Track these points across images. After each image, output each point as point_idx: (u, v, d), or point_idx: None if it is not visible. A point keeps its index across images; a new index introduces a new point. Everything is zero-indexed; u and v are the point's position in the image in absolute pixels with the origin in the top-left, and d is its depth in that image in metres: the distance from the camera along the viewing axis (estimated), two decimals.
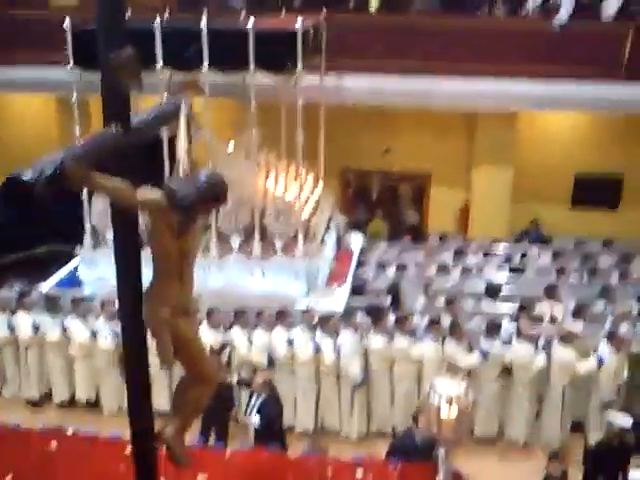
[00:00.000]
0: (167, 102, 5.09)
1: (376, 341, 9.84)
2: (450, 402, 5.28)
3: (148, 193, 4.24)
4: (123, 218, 4.45)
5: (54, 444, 6.05)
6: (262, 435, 8.18)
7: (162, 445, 4.93)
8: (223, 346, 9.43)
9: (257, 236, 10.82)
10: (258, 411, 8.62)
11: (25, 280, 12.15)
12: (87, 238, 11.22)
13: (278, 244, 10.84)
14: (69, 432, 6.35)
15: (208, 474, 5.58)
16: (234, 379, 9.41)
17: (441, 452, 5.53)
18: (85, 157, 3.77)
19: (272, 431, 8.29)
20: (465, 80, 13.45)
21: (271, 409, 8.66)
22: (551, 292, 11.04)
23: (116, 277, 4.59)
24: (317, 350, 9.80)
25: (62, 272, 11.93)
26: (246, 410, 8.84)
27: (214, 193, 4.37)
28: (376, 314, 10.22)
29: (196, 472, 5.50)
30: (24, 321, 10.64)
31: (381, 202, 16.86)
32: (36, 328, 10.55)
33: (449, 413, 5.30)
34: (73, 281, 11.60)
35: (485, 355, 9.58)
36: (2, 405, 10.73)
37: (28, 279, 12.22)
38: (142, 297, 4.52)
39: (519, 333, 9.77)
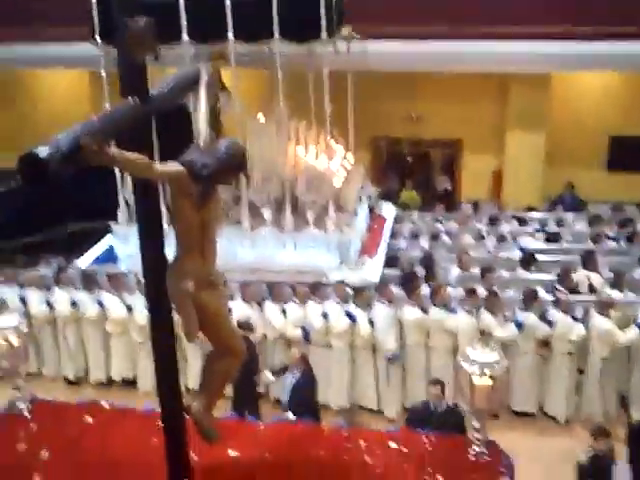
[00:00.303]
0: (186, 70, 5.02)
1: (410, 313, 9.79)
2: (483, 371, 5.20)
3: (167, 165, 4.23)
4: (145, 192, 4.48)
5: (89, 417, 6.09)
6: (295, 411, 8.15)
7: (191, 419, 4.95)
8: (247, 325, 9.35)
9: (288, 208, 10.73)
10: (292, 387, 8.60)
11: (61, 257, 12.23)
12: (121, 214, 11.22)
13: (310, 216, 10.74)
14: (104, 405, 6.36)
15: (240, 448, 5.53)
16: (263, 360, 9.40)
17: (474, 423, 5.44)
18: (101, 131, 3.71)
19: (306, 406, 8.22)
20: (495, 42, 13.25)
21: (305, 384, 8.63)
22: (588, 260, 10.88)
23: (140, 252, 4.63)
24: (352, 322, 9.76)
25: (98, 248, 11.94)
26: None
27: (234, 162, 4.39)
28: (410, 285, 10.14)
29: (227, 446, 5.45)
30: (61, 298, 10.73)
31: (413, 170, 16.71)
32: (74, 304, 10.61)
33: (482, 382, 5.22)
34: (109, 257, 11.62)
35: (520, 326, 9.48)
36: (41, 384, 10.70)
37: (64, 256, 12.31)
38: (166, 271, 4.53)
39: (556, 303, 9.65)
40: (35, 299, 10.81)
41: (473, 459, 5.40)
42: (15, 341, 5.98)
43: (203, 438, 4.99)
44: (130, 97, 4.19)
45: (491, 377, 5.20)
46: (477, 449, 5.43)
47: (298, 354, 8.81)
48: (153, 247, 4.58)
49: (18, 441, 5.79)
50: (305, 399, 8.47)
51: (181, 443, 4.98)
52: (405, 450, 5.59)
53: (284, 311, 10.05)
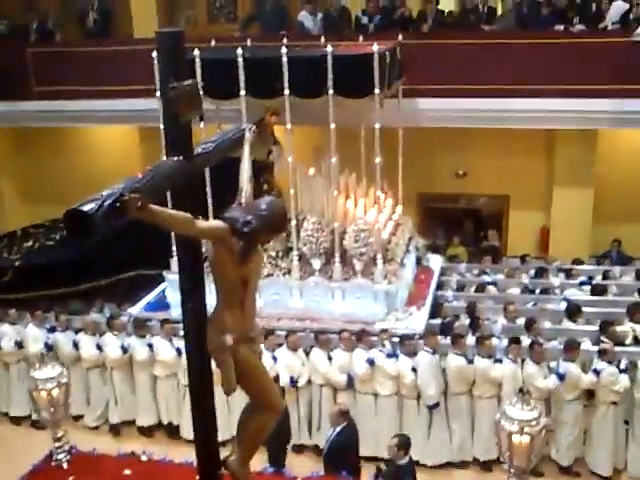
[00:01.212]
0: (230, 129, 5.19)
1: (454, 361, 9.88)
2: (522, 428, 5.23)
3: (209, 222, 4.40)
4: (186, 247, 4.61)
5: (127, 470, 6.14)
6: (334, 463, 8.23)
7: (228, 473, 5.01)
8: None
9: (337, 259, 10.98)
10: (332, 440, 8.71)
11: (114, 303, 12.61)
12: (174, 262, 11.57)
13: (358, 266, 10.96)
14: (143, 457, 6.42)
15: None
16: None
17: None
18: (145, 188, 3.81)
19: (345, 459, 8.29)
20: (542, 100, 13.41)
21: (346, 437, 8.72)
22: (634, 312, 10.86)
23: (180, 305, 4.75)
24: (397, 372, 9.91)
25: (150, 296, 12.26)
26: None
27: (275, 220, 4.49)
28: (451, 333, 10.28)
29: None
30: (112, 343, 10.98)
31: (460, 226, 16.84)
32: (124, 349, 10.90)
33: (520, 439, 5.24)
34: (161, 304, 11.92)
35: (562, 377, 9.52)
36: (86, 430, 11.11)
37: (117, 302, 12.70)
38: (206, 324, 4.64)
39: (601, 353, 9.69)
40: (87, 344, 11.12)
41: None
42: (55, 392, 6.13)
43: None
44: (175, 156, 4.34)
45: (530, 434, 5.22)
46: None
47: (337, 409, 8.90)
48: (194, 299, 4.67)
49: None
50: (343, 451, 8.54)
51: None
52: None
53: (330, 357, 10.20)
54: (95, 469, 6.19)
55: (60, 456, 6.27)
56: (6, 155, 17.80)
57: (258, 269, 4.80)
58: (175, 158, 4.33)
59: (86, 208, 3.47)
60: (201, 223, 4.24)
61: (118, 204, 3.57)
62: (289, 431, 9.63)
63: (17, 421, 11.55)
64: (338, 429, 8.69)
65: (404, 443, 8.22)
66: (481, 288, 12.63)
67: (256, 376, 4.80)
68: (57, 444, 6.29)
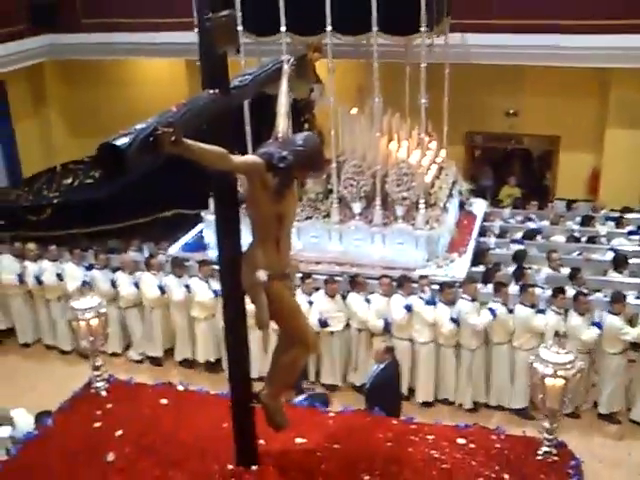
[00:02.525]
0: (268, 63, 5.13)
1: (497, 311, 9.66)
2: (555, 372, 5.17)
3: (244, 157, 4.31)
4: (222, 183, 4.57)
5: (163, 399, 6.26)
6: (376, 402, 8.19)
7: (260, 406, 5.08)
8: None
9: (378, 203, 10.75)
10: (375, 377, 8.64)
11: (152, 243, 12.57)
12: (212, 203, 11.39)
13: (399, 211, 10.73)
14: (180, 387, 6.57)
15: (308, 435, 5.61)
16: None
17: (545, 423, 5.42)
18: (179, 121, 3.74)
19: (386, 395, 8.25)
20: (597, 36, 12.85)
21: (389, 376, 8.65)
22: None
23: (216, 241, 4.77)
24: (435, 317, 9.78)
25: (188, 236, 12.20)
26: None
27: (311, 156, 4.46)
28: (497, 283, 10.04)
29: (295, 433, 5.54)
30: (151, 282, 11.01)
31: (508, 167, 16.46)
32: (162, 289, 10.90)
33: (554, 382, 5.20)
34: (199, 245, 11.85)
35: (600, 326, 9.32)
36: (126, 365, 11.27)
37: (155, 242, 12.66)
38: (240, 261, 4.63)
39: None
40: (126, 282, 11.18)
41: (541, 459, 5.39)
42: (94, 322, 6.22)
43: (271, 425, 5.11)
44: (211, 89, 4.27)
45: (564, 378, 5.18)
46: (546, 449, 5.43)
47: (383, 346, 8.85)
48: (230, 237, 4.70)
49: (94, 419, 6.01)
50: (387, 391, 8.46)
51: (249, 429, 5.12)
52: (473, 446, 5.59)
53: (368, 300, 10.09)
54: (132, 397, 6.33)
55: (99, 384, 6.43)
56: (55, 88, 17.71)
57: (293, 206, 4.76)
58: (211, 91, 4.27)
59: (119, 142, 3.39)
60: (236, 158, 4.17)
61: (152, 138, 3.52)
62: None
63: (64, 354, 11.75)
64: (382, 366, 8.63)
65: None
66: (526, 236, 12.32)
67: (289, 312, 4.81)
68: (96, 373, 6.44)
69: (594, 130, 15.00)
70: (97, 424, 5.95)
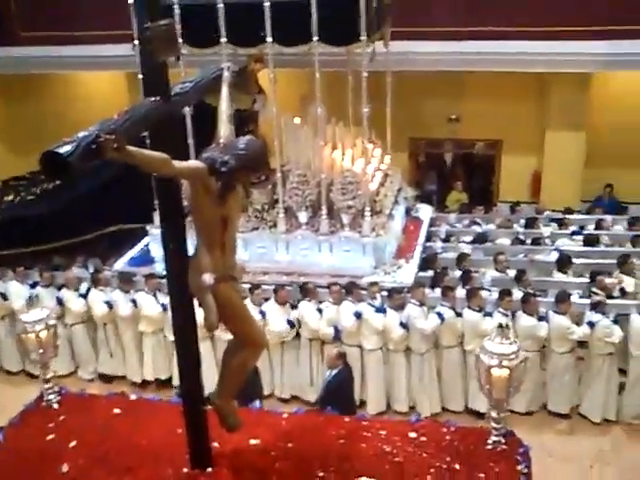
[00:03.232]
0: (209, 70, 5.19)
1: (445, 315, 9.72)
2: (501, 362, 5.32)
3: (187, 162, 4.36)
4: (166, 190, 4.64)
5: (116, 408, 6.31)
6: (329, 405, 8.19)
7: (212, 409, 5.15)
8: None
9: (324, 211, 10.76)
10: (327, 383, 8.68)
11: (97, 259, 12.40)
12: (157, 216, 11.29)
13: (345, 219, 10.76)
14: (132, 396, 6.64)
15: (261, 436, 5.69)
16: None
17: (493, 413, 5.56)
18: (121, 129, 3.80)
19: (340, 401, 8.15)
20: (535, 42, 13.11)
21: (342, 381, 8.67)
22: (624, 263, 10.72)
23: (162, 248, 4.84)
24: (384, 324, 9.79)
25: (134, 250, 12.07)
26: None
27: (253, 159, 4.53)
28: (445, 287, 10.09)
29: (249, 435, 5.62)
30: (98, 298, 10.85)
31: (452, 172, 16.63)
32: (109, 305, 10.75)
33: (500, 373, 5.34)
34: (145, 259, 11.74)
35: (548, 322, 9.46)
36: (77, 384, 10.90)
37: (100, 258, 12.48)
38: (187, 266, 4.69)
39: (594, 305, 9.56)
40: (72, 298, 11.00)
41: (490, 448, 5.54)
42: (43, 334, 6.21)
43: (224, 427, 5.18)
44: (152, 96, 4.34)
45: (509, 368, 5.33)
46: (495, 438, 5.57)
47: (335, 352, 8.84)
48: (175, 242, 4.76)
49: (47, 431, 6.01)
50: (340, 397, 8.43)
51: (202, 431, 5.20)
52: (424, 439, 5.71)
53: (319, 310, 10.08)
54: (85, 409, 6.36)
55: (50, 397, 6.44)
56: None
57: (237, 209, 4.83)
58: (152, 99, 4.35)
59: (62, 150, 3.47)
60: (178, 163, 4.20)
61: (94, 145, 3.58)
62: (261, 386, 9.51)
63: (10, 375, 11.47)
64: (334, 372, 8.66)
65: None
66: (471, 239, 12.47)
67: (238, 313, 4.89)
68: (47, 385, 6.44)
69: (535, 133, 15.27)
70: (50, 436, 5.97)
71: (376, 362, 9.98)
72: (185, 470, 5.27)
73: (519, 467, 5.34)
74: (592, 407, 9.68)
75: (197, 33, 10.26)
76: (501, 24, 13.33)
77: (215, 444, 5.38)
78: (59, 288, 11.19)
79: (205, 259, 4.61)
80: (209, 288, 4.57)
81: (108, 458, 5.55)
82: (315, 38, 9.96)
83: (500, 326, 5.52)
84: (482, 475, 5.25)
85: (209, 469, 5.25)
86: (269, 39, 10.06)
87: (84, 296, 10.99)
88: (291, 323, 10.07)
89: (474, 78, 14.41)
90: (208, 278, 4.54)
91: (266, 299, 10.29)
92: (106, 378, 11.20)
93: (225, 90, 5.05)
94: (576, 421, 9.78)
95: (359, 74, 10.37)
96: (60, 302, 11.02)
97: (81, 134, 3.60)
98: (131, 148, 3.77)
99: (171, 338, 10.33)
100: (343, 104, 11.93)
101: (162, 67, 4.42)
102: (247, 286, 10.41)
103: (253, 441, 5.62)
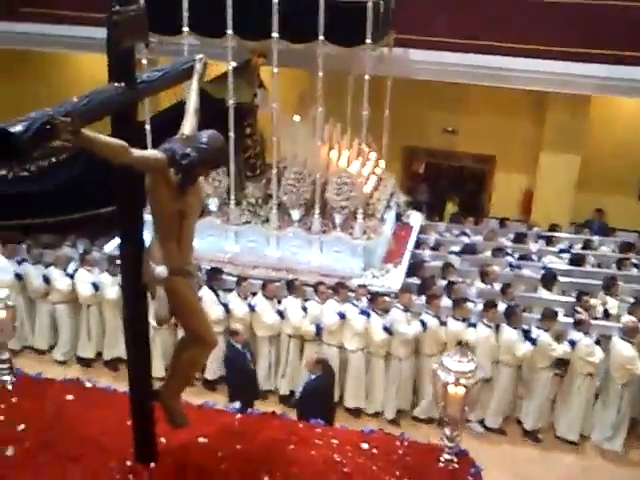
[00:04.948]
0: (181, 60, 5.11)
1: (428, 323, 9.78)
2: (457, 380, 5.28)
3: (146, 151, 4.29)
4: (125, 179, 4.51)
5: (69, 395, 6.23)
6: (306, 409, 8.19)
7: (159, 404, 5.08)
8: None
9: (317, 211, 10.79)
10: (305, 386, 8.73)
11: (87, 240, 12.36)
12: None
13: (338, 220, 10.81)
14: (88, 384, 6.52)
15: (211, 435, 5.62)
16: None
17: (447, 431, 5.52)
18: (77, 112, 3.72)
19: (317, 406, 8.23)
20: (537, 61, 13.16)
21: (319, 385, 8.67)
22: (609, 285, 10.80)
23: (119, 236, 4.76)
24: (366, 327, 9.84)
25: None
26: None
27: (214, 154, 4.47)
28: (430, 295, 10.14)
29: (199, 433, 5.57)
30: (85, 279, 10.86)
31: (443, 183, 16.70)
32: (96, 287, 10.75)
33: (455, 390, 5.30)
34: None
35: (534, 342, 9.49)
36: (51, 364, 11.04)
37: (90, 239, 12.45)
38: (142, 257, 4.62)
39: (577, 324, 9.62)
40: (59, 277, 11.00)
41: (442, 466, 5.50)
42: (2, 314, 6.10)
43: (170, 424, 5.12)
44: (116, 82, 4.28)
45: (465, 386, 5.28)
46: (447, 457, 5.53)
47: (315, 357, 8.88)
48: (131, 232, 4.67)
49: None
50: (318, 401, 8.47)
51: (148, 426, 5.13)
52: (375, 452, 5.66)
53: (304, 308, 10.12)
54: (39, 393, 6.27)
55: (5, 377, 6.34)
56: None
57: (197, 203, 4.70)
58: (116, 84, 4.27)
59: (13, 129, 3.40)
60: (136, 152, 4.09)
61: (48, 126, 3.51)
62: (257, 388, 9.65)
63: None
64: (313, 377, 8.67)
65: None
66: (459, 249, 12.55)
67: (190, 309, 4.81)
68: (1, 366, 6.33)
69: (529, 152, 15.34)
70: (0, 418, 5.88)
71: (356, 363, 10.02)
72: (128, 463, 5.22)
73: None
74: (568, 426, 9.73)
75: (204, 23, 10.26)
76: (505, 40, 13.38)
77: (162, 439, 5.33)
78: (47, 266, 11.16)
79: (159, 251, 4.53)
80: (161, 281, 4.52)
81: (54, 444, 5.50)
82: (321, 37, 9.98)
83: (459, 343, 5.52)
84: None
85: (152, 464, 5.19)
86: (275, 34, 10.08)
87: (71, 276, 11.00)
88: (281, 314, 10.10)
89: (473, 92, 14.49)
90: (161, 270, 4.49)
91: (253, 293, 10.32)
92: (84, 362, 11.17)
93: (195, 82, 4.95)
94: (550, 438, 9.84)
95: (360, 77, 10.42)
96: (47, 280, 11.02)
97: (35, 114, 3.54)
98: (87, 132, 3.71)
99: (154, 324, 10.37)
100: (342, 106, 11.96)
101: (128, 53, 4.34)
102: (234, 279, 10.48)
103: (202, 439, 5.54)
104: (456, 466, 5.49)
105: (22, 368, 6.73)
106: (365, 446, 5.70)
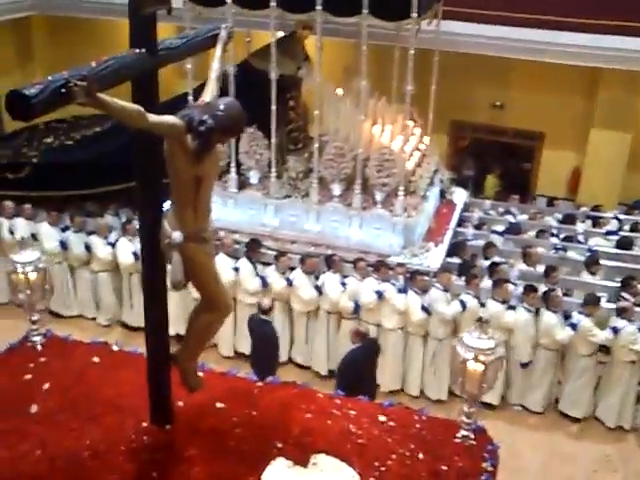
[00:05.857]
0: (209, 28, 5.13)
1: (468, 303, 9.66)
2: (477, 357, 5.25)
3: (163, 117, 4.26)
4: (144, 145, 4.56)
5: (95, 357, 6.36)
6: (345, 378, 8.22)
7: (175, 368, 5.19)
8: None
9: (358, 187, 10.65)
10: (346, 355, 8.67)
11: (129, 208, 12.43)
12: None
13: (379, 196, 10.67)
14: (115, 347, 6.64)
15: (228, 402, 5.69)
16: None
17: (465, 407, 5.51)
18: (94, 76, 3.75)
19: (356, 376, 8.20)
20: (589, 35, 12.81)
21: (359, 355, 8.58)
22: None
23: (138, 201, 4.86)
24: (405, 307, 9.77)
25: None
26: None
27: (231, 122, 4.45)
28: (470, 275, 10.00)
29: (216, 398, 5.66)
30: (126, 247, 10.94)
31: (490, 159, 16.42)
32: (136, 256, 10.71)
33: (474, 367, 5.28)
34: None
35: (574, 327, 9.33)
36: (100, 330, 11.15)
37: (133, 208, 12.49)
38: (160, 222, 4.68)
39: (620, 311, 9.41)
40: (100, 245, 11.15)
41: (458, 442, 5.49)
42: (33, 276, 6.19)
43: (184, 386, 5.23)
44: (137, 48, 4.31)
45: (484, 363, 5.25)
46: (464, 433, 5.53)
47: (354, 329, 8.83)
48: (150, 198, 4.76)
49: (26, 371, 6.11)
50: (355, 371, 8.40)
51: (164, 388, 5.24)
52: (392, 424, 5.66)
53: (343, 284, 10.05)
54: (66, 353, 6.43)
55: (35, 338, 6.52)
56: (42, 44, 17.43)
57: (213, 170, 4.77)
58: (137, 50, 4.30)
59: (27, 91, 3.49)
60: (153, 117, 4.12)
61: (64, 90, 3.58)
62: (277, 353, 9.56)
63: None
64: (354, 347, 8.64)
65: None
66: (503, 229, 12.31)
67: (206, 275, 4.86)
68: (33, 327, 6.52)
69: (579, 129, 14.98)
70: (28, 376, 6.06)
71: (394, 342, 9.95)
72: (144, 424, 5.34)
73: (484, 464, 5.28)
74: (608, 412, 9.59)
75: None
76: (556, 13, 13.03)
77: (180, 403, 5.44)
78: (89, 234, 11.28)
79: (176, 217, 4.59)
80: (177, 246, 4.57)
81: (76, 404, 5.64)
82: (365, 11, 9.77)
83: (479, 320, 5.46)
84: (444, 467, 5.21)
85: (167, 426, 5.31)
86: (318, 7, 9.91)
87: (112, 245, 11.10)
88: (319, 289, 10.06)
89: (522, 66, 14.14)
90: (177, 236, 4.53)
91: (292, 268, 10.28)
92: (129, 328, 11.28)
93: (219, 49, 4.99)
94: (588, 424, 9.71)
95: (405, 50, 10.21)
96: (88, 248, 11.14)
97: (52, 77, 3.60)
98: (103, 96, 3.74)
99: (195, 295, 10.41)
100: (387, 79, 11.77)
101: (149, 18, 4.36)
102: (273, 253, 10.44)
103: (219, 404, 5.63)
104: (473, 442, 5.49)
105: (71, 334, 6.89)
106: (383, 418, 5.72)
